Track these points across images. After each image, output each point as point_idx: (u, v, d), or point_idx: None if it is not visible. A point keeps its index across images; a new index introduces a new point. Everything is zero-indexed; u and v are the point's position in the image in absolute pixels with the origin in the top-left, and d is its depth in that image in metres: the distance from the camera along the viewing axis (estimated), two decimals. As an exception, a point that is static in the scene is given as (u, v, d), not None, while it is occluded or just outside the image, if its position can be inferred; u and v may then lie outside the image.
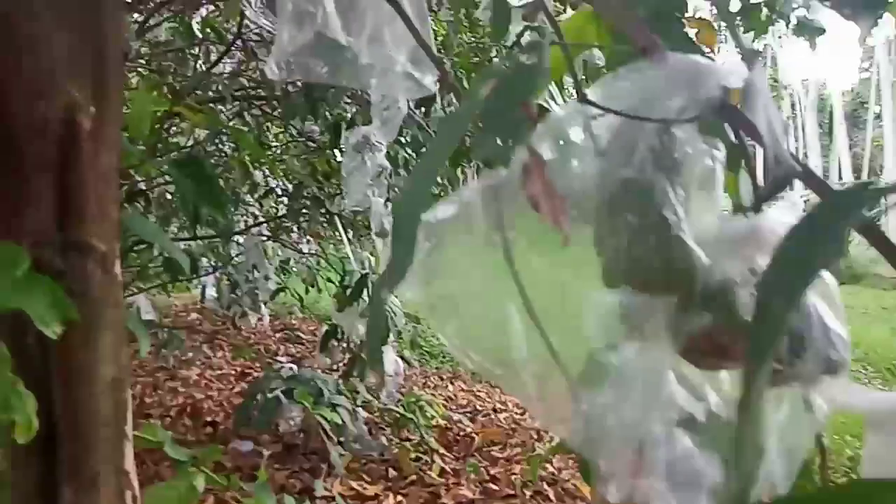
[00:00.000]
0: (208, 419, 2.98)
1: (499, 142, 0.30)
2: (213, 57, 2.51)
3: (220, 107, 2.75)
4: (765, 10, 2.36)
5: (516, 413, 3.11)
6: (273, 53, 0.60)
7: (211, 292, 4.40)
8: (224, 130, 2.52)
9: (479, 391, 3.42)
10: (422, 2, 0.61)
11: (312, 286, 3.94)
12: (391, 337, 2.79)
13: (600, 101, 0.43)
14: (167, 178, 1.91)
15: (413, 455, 2.55)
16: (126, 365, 0.90)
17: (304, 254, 3.92)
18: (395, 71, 0.62)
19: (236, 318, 4.36)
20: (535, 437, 2.79)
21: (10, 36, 0.69)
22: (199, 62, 2.66)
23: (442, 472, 2.46)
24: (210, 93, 2.57)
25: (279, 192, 3.34)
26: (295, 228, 3.48)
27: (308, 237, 3.77)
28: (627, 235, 0.40)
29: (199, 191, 0.98)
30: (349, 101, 2.52)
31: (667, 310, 0.43)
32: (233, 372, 3.78)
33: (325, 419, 2.40)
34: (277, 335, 4.70)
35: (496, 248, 0.44)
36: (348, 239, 3.21)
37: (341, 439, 2.52)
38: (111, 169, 0.86)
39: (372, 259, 2.82)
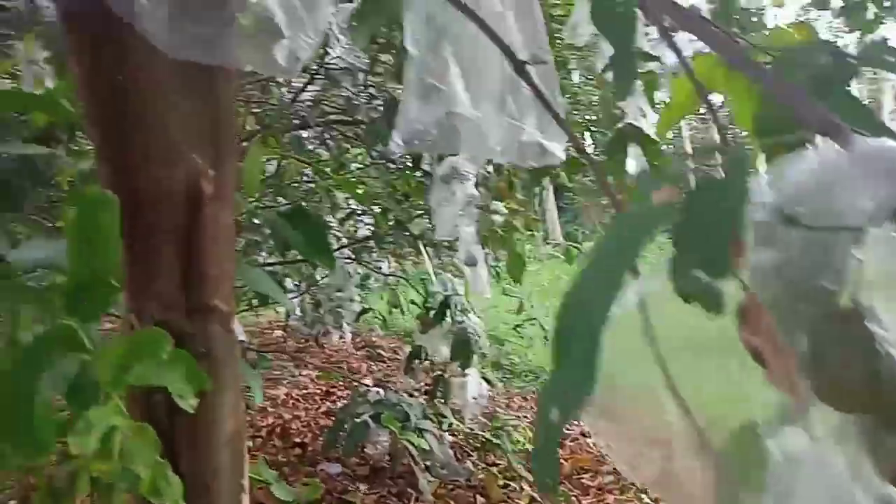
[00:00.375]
0: (297, 440, 3.04)
1: (701, 276, 0.28)
2: (294, 84, 2.55)
3: (302, 132, 2.81)
4: (871, 8, 2.21)
5: (607, 440, 3.00)
6: (398, 127, 0.59)
7: (295, 311, 4.50)
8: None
9: (564, 414, 3.33)
10: (552, 69, 0.59)
11: (395, 307, 3.98)
12: (475, 359, 2.78)
13: (768, 191, 0.40)
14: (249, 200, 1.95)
15: (500, 481, 2.51)
16: (242, 418, 0.92)
17: (384, 274, 3.96)
18: (521, 140, 0.60)
19: (319, 337, 4.45)
20: (628, 465, 2.69)
21: (144, 113, 0.71)
22: (283, 89, 2.74)
23: (531, 501, 2.42)
24: (295, 121, 2.64)
25: (359, 212, 3.38)
26: (376, 249, 3.51)
27: (388, 255, 3.80)
28: (815, 344, 0.36)
29: (307, 242, 1.00)
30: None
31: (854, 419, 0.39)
32: (318, 391, 3.86)
33: (413, 444, 2.40)
34: (359, 353, 4.77)
35: (651, 352, 0.42)
36: (429, 256, 3.21)
37: (428, 464, 2.52)
38: (229, 229, 0.88)
39: (456, 280, 2.81)
